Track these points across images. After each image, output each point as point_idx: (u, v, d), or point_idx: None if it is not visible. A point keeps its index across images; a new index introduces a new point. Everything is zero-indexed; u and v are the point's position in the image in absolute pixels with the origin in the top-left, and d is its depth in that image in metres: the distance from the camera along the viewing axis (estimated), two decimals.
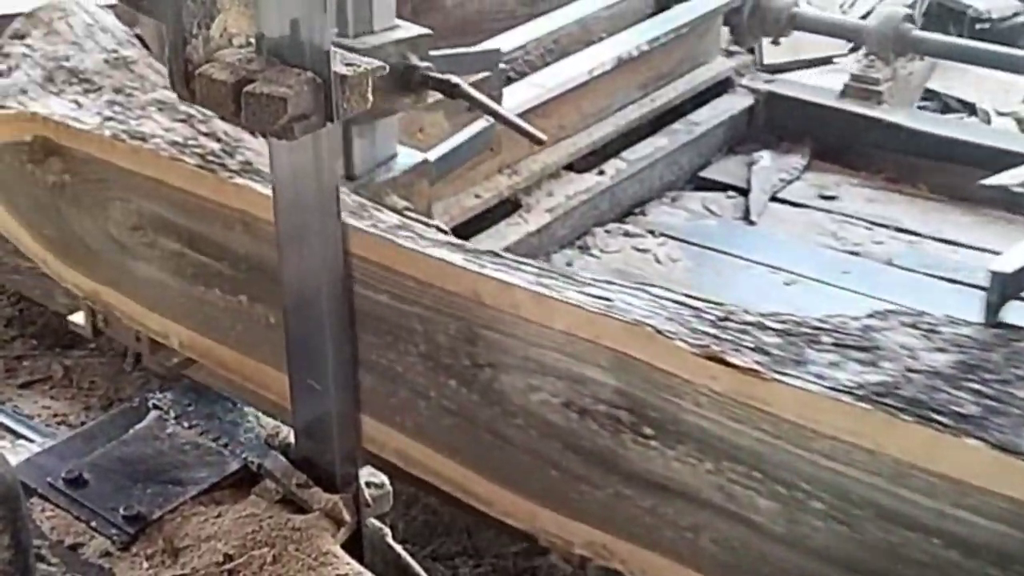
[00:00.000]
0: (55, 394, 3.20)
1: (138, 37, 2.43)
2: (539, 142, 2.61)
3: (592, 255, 3.29)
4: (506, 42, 3.41)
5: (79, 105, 2.12)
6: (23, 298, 3.41)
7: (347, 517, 1.93)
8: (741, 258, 3.30)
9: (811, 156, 3.83)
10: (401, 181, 2.48)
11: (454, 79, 2.33)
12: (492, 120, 2.60)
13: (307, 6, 1.58)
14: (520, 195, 3.31)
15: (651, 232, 3.40)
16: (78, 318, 2.39)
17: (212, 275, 1.97)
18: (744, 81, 4.04)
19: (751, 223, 3.50)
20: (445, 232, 1.87)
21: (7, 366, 3.29)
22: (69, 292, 2.29)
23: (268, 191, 1.76)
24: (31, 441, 2.37)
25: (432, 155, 2.54)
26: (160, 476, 1.98)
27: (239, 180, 1.87)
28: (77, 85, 2.21)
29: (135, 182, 2.00)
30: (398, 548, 2.03)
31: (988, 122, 4.30)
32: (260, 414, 2.10)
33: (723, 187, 3.70)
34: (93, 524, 1.90)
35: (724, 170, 3.80)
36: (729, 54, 4.11)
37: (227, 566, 1.84)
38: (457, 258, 1.69)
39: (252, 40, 1.65)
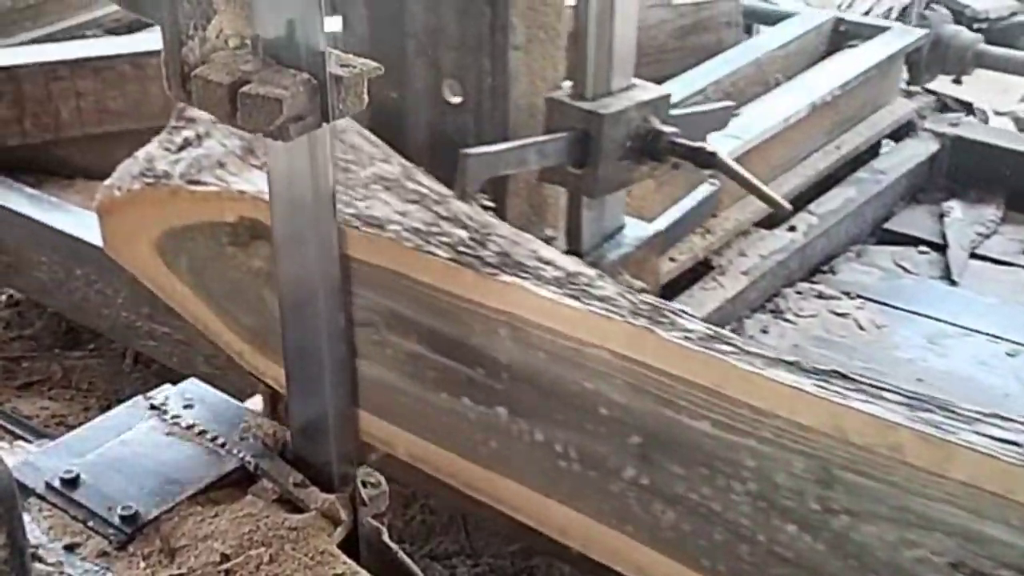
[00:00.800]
0: (54, 395, 3.21)
1: None
2: (785, 211, 2.41)
3: (787, 320, 3.05)
4: (684, 86, 3.27)
5: None
6: (21, 300, 3.42)
7: (344, 516, 1.94)
8: (952, 324, 3.03)
9: (1006, 207, 3.57)
10: (633, 257, 2.26)
11: (709, 147, 2.10)
12: (715, 184, 2.43)
13: (303, 7, 1.58)
14: (711, 255, 3.09)
15: (846, 293, 3.17)
16: (255, 403, 2.17)
17: (462, 383, 1.73)
18: (927, 124, 3.82)
19: (952, 283, 3.24)
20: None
21: (5, 367, 3.29)
22: (210, 361, 2.18)
23: (541, 291, 1.60)
24: (29, 442, 2.38)
25: (659, 225, 2.34)
26: (157, 476, 1.98)
27: (505, 278, 1.63)
28: None
29: (367, 274, 1.77)
30: (395, 547, 2.03)
31: (986, 122, 4.30)
32: (258, 413, 2.11)
33: (912, 241, 3.45)
34: (90, 524, 1.90)
35: (911, 222, 3.56)
36: (908, 95, 3.92)
37: (224, 566, 1.84)
38: (807, 383, 1.42)
39: (248, 41, 1.65)
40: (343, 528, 1.94)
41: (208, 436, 2.05)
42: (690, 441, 1.50)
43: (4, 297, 3.53)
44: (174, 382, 2.21)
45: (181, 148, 1.97)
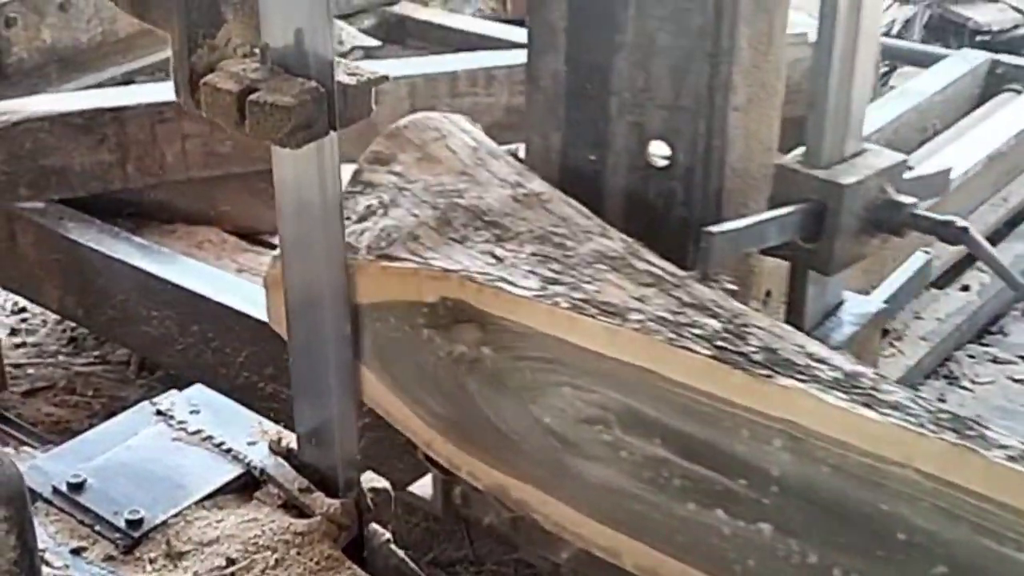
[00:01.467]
0: (58, 401, 3.22)
1: (514, 156, 2.02)
2: (1019, 289, 2.26)
3: (964, 388, 2.89)
4: None
5: (497, 259, 1.71)
6: (26, 307, 3.43)
7: (349, 522, 1.95)
8: None
9: None
10: (858, 337, 2.08)
11: (960, 222, 1.89)
12: (929, 253, 2.28)
13: (311, 16, 1.60)
14: None
15: (1021, 357, 3.01)
16: (423, 489, 2.05)
17: (716, 494, 1.53)
18: None
19: None
20: None
21: (11, 374, 3.30)
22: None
23: (827, 397, 1.42)
24: (34, 448, 2.39)
25: (879, 300, 2.17)
26: (163, 481, 1.98)
27: (783, 381, 1.44)
28: (484, 231, 1.77)
29: (603, 368, 1.57)
30: (400, 553, 2.04)
31: None
32: (263, 419, 2.12)
33: None
34: (96, 528, 1.91)
35: None
36: None
37: (229, 570, 1.85)
38: None
39: (257, 50, 1.66)
40: (348, 533, 1.95)
41: (214, 441, 2.06)
42: (1013, 574, 1.33)
43: (9, 304, 3.54)
44: (180, 388, 2.22)
45: (364, 217, 1.83)
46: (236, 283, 2.77)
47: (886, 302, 2.15)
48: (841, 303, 2.08)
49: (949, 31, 4.77)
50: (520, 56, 3.24)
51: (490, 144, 1.97)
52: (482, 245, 1.74)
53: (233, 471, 2.01)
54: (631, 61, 1.82)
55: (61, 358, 3.36)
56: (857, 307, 2.09)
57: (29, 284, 3.11)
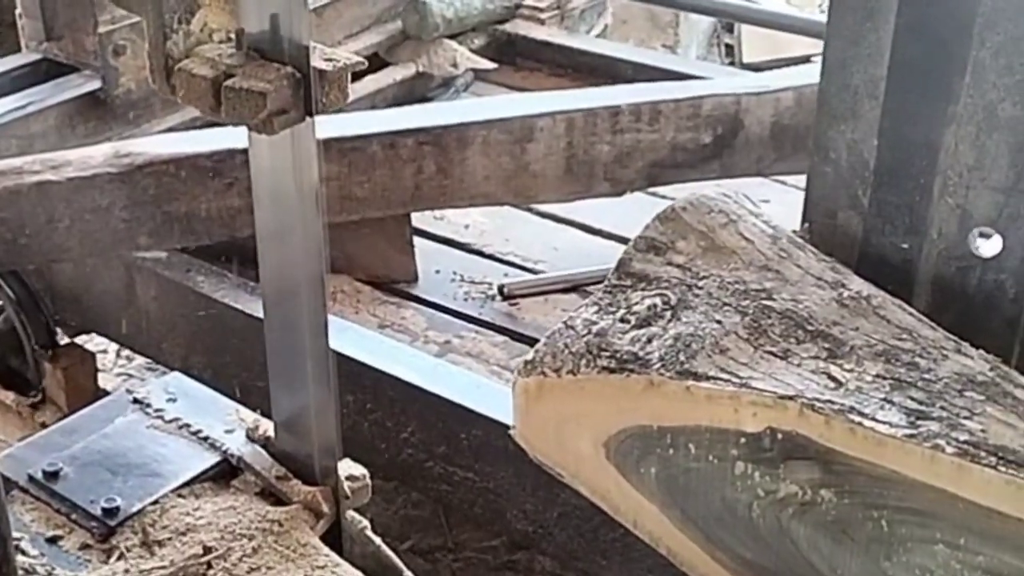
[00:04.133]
0: None
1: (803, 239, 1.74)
2: None
3: None
4: None
5: (837, 382, 1.44)
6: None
7: (326, 509, 1.95)
8: None
9: None
10: None
11: None
12: None
13: (287, 1, 1.59)
14: None
15: None
16: None
17: None
18: None
19: None
20: None
21: None
22: (529, 517, 1.84)
23: None
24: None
25: None
26: (140, 469, 1.98)
27: None
28: (810, 344, 1.49)
29: (998, 528, 1.33)
30: (377, 541, 2.04)
31: None
32: (240, 407, 2.11)
33: None
34: (72, 517, 1.91)
35: None
36: None
37: (206, 558, 1.84)
38: None
39: (232, 35, 1.65)
40: (325, 521, 1.95)
41: (191, 429, 2.06)
42: None
43: None
44: (157, 376, 2.21)
45: (647, 321, 1.57)
46: (391, 347, 2.56)
47: None
48: None
49: None
50: (686, 89, 3.05)
51: (786, 230, 1.71)
52: (812, 362, 1.47)
53: (210, 459, 2.01)
54: (964, 135, 1.61)
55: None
56: None
57: (147, 341, 2.89)
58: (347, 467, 2.00)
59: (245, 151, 2.59)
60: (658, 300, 1.57)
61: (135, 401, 2.13)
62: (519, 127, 2.88)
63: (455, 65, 3.88)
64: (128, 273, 2.83)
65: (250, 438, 2.03)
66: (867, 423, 1.36)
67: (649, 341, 1.52)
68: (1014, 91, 1.56)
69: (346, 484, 1.98)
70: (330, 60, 1.63)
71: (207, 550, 1.86)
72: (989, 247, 1.61)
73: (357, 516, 2.01)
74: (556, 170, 2.94)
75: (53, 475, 1.95)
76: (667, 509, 1.58)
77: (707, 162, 3.02)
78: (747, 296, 1.55)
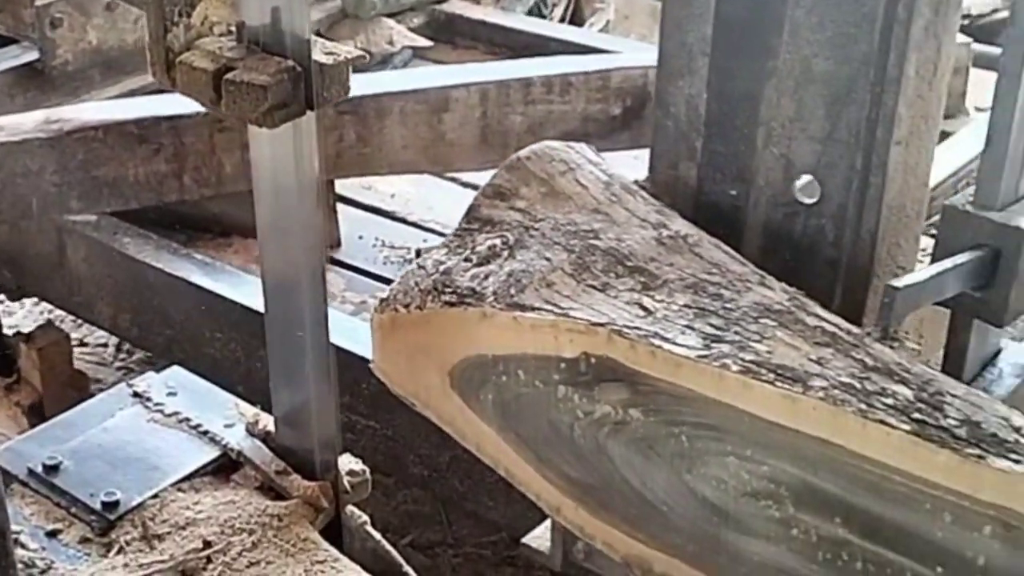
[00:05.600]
0: None
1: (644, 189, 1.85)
2: None
3: None
4: (953, 153, 2.91)
5: (647, 311, 1.54)
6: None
7: (326, 504, 1.95)
8: None
9: None
10: (1020, 391, 1.92)
11: None
12: None
13: None
14: None
15: None
16: (540, 542, 1.92)
17: None
18: None
19: None
20: None
21: None
22: (424, 462, 1.94)
23: None
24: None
25: None
26: (140, 463, 1.98)
27: (998, 463, 1.29)
28: (628, 278, 1.60)
29: (779, 439, 1.43)
30: (377, 536, 2.04)
31: None
32: (240, 401, 2.11)
33: None
34: (72, 510, 1.91)
35: None
36: None
37: (206, 552, 1.84)
38: None
39: (233, 28, 1.65)
40: (325, 516, 1.95)
41: (191, 423, 2.06)
42: None
43: None
44: (157, 370, 2.21)
45: (486, 259, 1.67)
46: None
47: None
48: (998, 352, 1.93)
49: None
50: (596, 62, 3.19)
51: (623, 177, 1.82)
52: (627, 294, 1.58)
53: (210, 453, 2.01)
54: (784, 89, 1.71)
55: None
56: (1017, 357, 1.92)
57: (79, 301, 2.98)
58: (347, 462, 2.00)
59: (171, 118, 2.79)
60: (498, 241, 1.68)
61: (135, 395, 2.13)
62: (435, 98, 2.99)
63: (392, 43, 3.94)
64: (59, 236, 2.93)
65: (250, 432, 2.03)
66: (666, 346, 1.47)
67: (486, 278, 1.63)
68: (827, 47, 1.66)
69: (346, 479, 1.98)
70: (331, 54, 1.63)
71: (207, 544, 1.86)
72: (810, 195, 1.71)
73: (357, 511, 2.01)
74: (471, 139, 3.04)
75: (53, 469, 1.95)
76: (503, 433, 1.68)
77: (617, 132, 3.13)
78: (576, 236, 1.66)
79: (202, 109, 2.84)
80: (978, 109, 4.41)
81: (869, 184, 1.69)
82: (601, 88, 3.12)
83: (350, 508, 1.99)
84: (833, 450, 1.39)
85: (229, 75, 1.58)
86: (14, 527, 1.80)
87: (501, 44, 4.03)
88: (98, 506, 1.89)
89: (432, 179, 3.36)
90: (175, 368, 2.21)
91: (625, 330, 1.50)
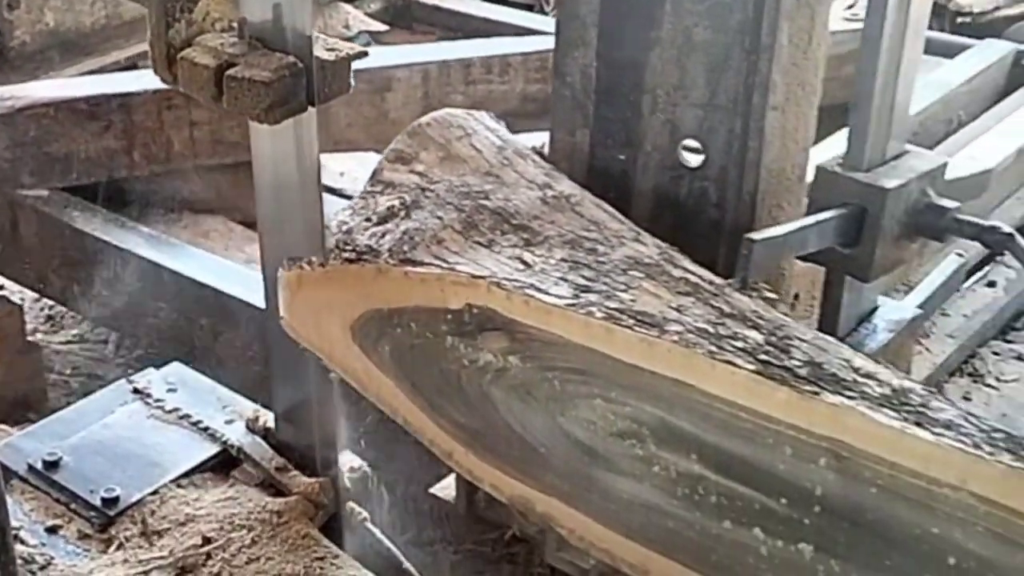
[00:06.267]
0: None
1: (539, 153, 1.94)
2: None
3: (989, 386, 2.77)
4: None
5: (526, 264, 1.63)
6: (2, 284, 3.41)
7: (326, 501, 1.95)
8: None
9: None
10: (892, 345, 2.00)
11: (1005, 227, 1.82)
12: (963, 256, 2.20)
13: None
14: None
15: None
16: (446, 492, 2.02)
17: (754, 512, 1.47)
18: None
19: None
20: None
21: None
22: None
23: (879, 417, 1.36)
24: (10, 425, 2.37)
25: (914, 305, 2.09)
26: (140, 459, 1.98)
27: (831, 399, 1.38)
28: (512, 234, 1.70)
29: (639, 381, 1.50)
30: (377, 532, 2.04)
31: None
32: (241, 398, 2.11)
33: None
34: (72, 507, 1.91)
35: None
36: None
37: (205, 548, 1.85)
38: None
39: (234, 24, 1.65)
40: (325, 512, 1.95)
41: (191, 420, 2.06)
42: None
43: None
44: (157, 367, 2.21)
45: (385, 219, 1.75)
46: (244, 274, 2.65)
47: (920, 307, 2.07)
48: (875, 308, 2.02)
49: (931, 13, 4.77)
50: (535, 43, 3.28)
51: (517, 143, 1.90)
52: (510, 250, 1.67)
53: (210, 450, 2.01)
54: (667, 58, 1.77)
55: (39, 336, 3.33)
56: (891, 313, 2.02)
57: (31, 273, 3.02)
58: (348, 459, 2.00)
59: (120, 96, 2.90)
60: (396, 202, 1.76)
61: (135, 391, 2.13)
62: (378, 78, 3.09)
63: (348, 27, 3.97)
64: (12, 210, 2.98)
65: (250, 429, 2.03)
66: (539, 296, 1.55)
67: (383, 236, 1.71)
68: (705, 16, 1.75)
69: (346, 476, 1.98)
70: (332, 50, 1.63)
71: (206, 540, 1.86)
72: (694, 158, 1.79)
73: (357, 508, 2.01)
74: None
75: (53, 465, 1.95)
76: (400, 383, 1.75)
77: None
78: (468, 197, 1.75)
79: (151, 87, 2.98)
80: None
81: (748, 148, 1.77)
82: (540, 68, 3.22)
83: (350, 505, 1.99)
84: (686, 390, 1.46)
85: (231, 71, 1.57)
86: (14, 523, 1.80)
87: (458, 29, 4.08)
88: (98, 502, 1.89)
89: (379, 158, 3.42)
90: (175, 364, 2.21)
91: (504, 282, 1.58)
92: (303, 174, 1.71)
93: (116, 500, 1.89)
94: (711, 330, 1.48)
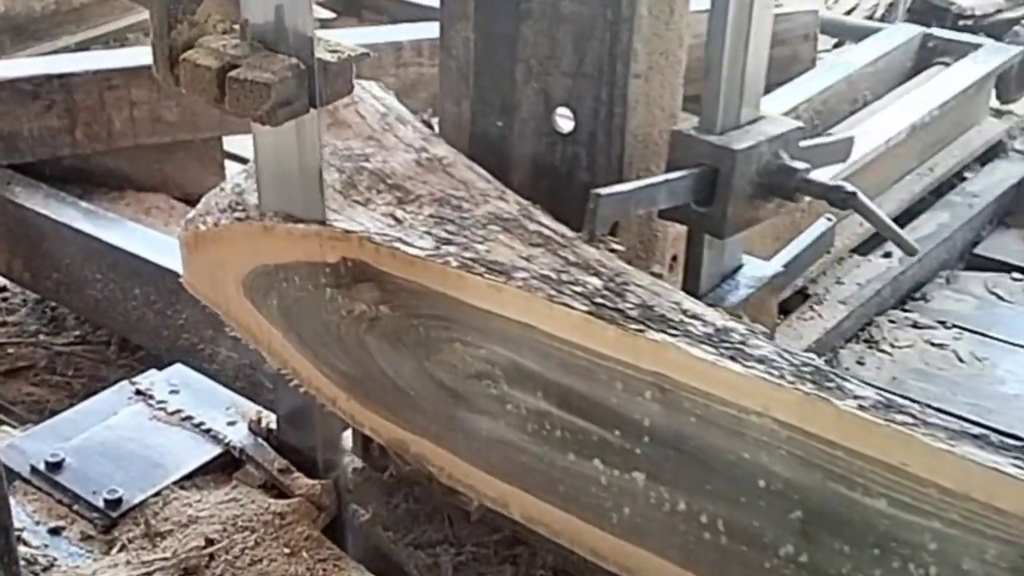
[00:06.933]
0: (38, 381, 3.20)
1: (426, 123, 2.03)
2: (913, 252, 2.27)
3: (883, 351, 2.86)
4: (775, 104, 3.13)
5: (397, 220, 1.74)
6: (6, 287, 3.41)
7: (328, 503, 1.95)
8: None
9: None
10: (753, 299, 2.09)
11: (848, 187, 1.92)
12: (831, 219, 2.24)
13: None
14: (806, 283, 2.97)
15: (941, 323, 2.97)
16: (346, 441, 2.08)
17: (593, 444, 1.58)
18: (1017, 145, 3.72)
19: None
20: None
21: None
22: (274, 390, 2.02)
23: (696, 351, 1.46)
24: (13, 427, 2.38)
25: (778, 264, 2.17)
26: (142, 460, 1.99)
27: (654, 336, 1.48)
28: (387, 193, 1.81)
29: (492, 325, 1.61)
30: (379, 534, 2.04)
31: None
32: (243, 400, 2.11)
33: (1004, 267, 3.26)
34: (75, 508, 1.91)
35: (1002, 247, 3.35)
36: (998, 114, 3.78)
37: (208, 550, 1.85)
38: (1004, 463, 1.30)
39: (237, 26, 1.65)
40: (327, 514, 1.95)
41: (193, 421, 2.06)
42: (862, 520, 1.38)
43: None
44: (160, 368, 2.21)
45: None
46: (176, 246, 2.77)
47: (785, 266, 2.15)
48: (740, 267, 2.11)
49: (933, 15, 4.77)
50: None
51: (400, 110, 2.01)
52: (384, 207, 1.78)
53: (212, 451, 2.02)
54: (538, 29, 1.86)
55: (42, 338, 3.33)
56: (754, 271, 2.12)
57: None
58: (350, 461, 2.00)
59: (62, 76, 3.03)
60: None
61: (138, 393, 2.13)
62: None
63: None
64: None
65: (252, 430, 2.03)
66: (403, 248, 1.65)
67: None
68: None
69: (349, 478, 1.98)
70: (334, 51, 1.63)
71: (209, 542, 1.86)
72: (566, 124, 1.88)
73: (360, 509, 2.01)
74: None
75: (56, 466, 1.95)
76: (287, 334, 1.86)
77: None
78: (349, 159, 1.86)
79: (92, 68, 3.10)
80: None
81: (614, 114, 1.84)
82: None
83: (353, 506, 1.99)
84: (530, 332, 1.57)
85: (233, 73, 1.57)
86: (17, 524, 1.81)
87: (406, 18, 4.07)
88: (101, 503, 1.90)
89: None
90: (178, 366, 2.22)
91: (374, 236, 1.68)
92: (305, 174, 1.71)
93: (119, 501, 1.90)
94: (554, 277, 1.59)
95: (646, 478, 1.54)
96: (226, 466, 2.01)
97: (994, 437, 1.35)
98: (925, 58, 3.79)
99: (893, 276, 3.07)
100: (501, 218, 1.73)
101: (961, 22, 4.65)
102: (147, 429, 2.05)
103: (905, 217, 3.30)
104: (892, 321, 3.00)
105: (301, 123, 1.66)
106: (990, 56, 3.70)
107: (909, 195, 3.33)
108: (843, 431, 1.36)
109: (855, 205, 1.95)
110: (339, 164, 1.83)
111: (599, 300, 1.54)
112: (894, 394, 1.43)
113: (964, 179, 3.58)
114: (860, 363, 2.84)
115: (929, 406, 1.39)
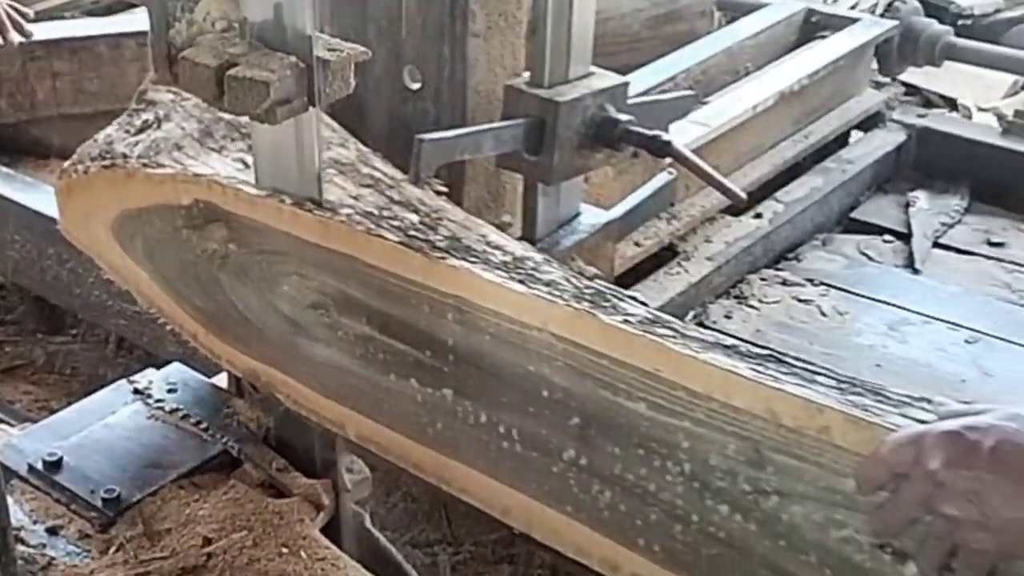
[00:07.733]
0: (36, 380, 3.20)
1: None
2: (741, 201, 2.38)
3: (751, 306, 3.01)
4: (655, 74, 3.28)
5: (246, 165, 1.85)
6: (4, 285, 3.42)
7: (326, 502, 1.95)
8: (913, 311, 3.01)
9: (970, 198, 3.55)
10: (587, 244, 2.21)
11: (664, 136, 2.05)
12: (673, 173, 2.36)
13: None
14: (676, 241, 3.08)
15: (810, 280, 3.14)
16: (220, 381, 2.17)
17: (409, 365, 1.71)
18: (895, 115, 3.83)
19: (915, 271, 3.23)
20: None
21: None
22: (180, 341, 2.08)
23: (488, 275, 1.60)
24: (11, 426, 2.37)
25: (615, 213, 2.28)
26: (140, 459, 1.98)
27: (453, 262, 1.62)
28: (240, 141, 1.92)
29: (320, 257, 1.74)
30: (376, 533, 2.04)
31: (970, 117, 4.31)
32: (240, 399, 2.11)
33: (877, 230, 3.42)
34: (73, 507, 1.90)
35: (877, 211, 3.51)
36: (878, 85, 3.92)
37: (206, 549, 1.85)
38: (742, 367, 1.44)
39: (235, 24, 1.65)
40: (325, 513, 1.95)
41: (191, 420, 2.06)
42: (627, 423, 1.52)
43: None
44: (158, 367, 2.21)
45: (140, 130, 1.96)
46: None
47: (623, 216, 2.27)
48: (577, 215, 2.23)
49: (932, 14, 4.77)
50: None
51: None
52: (236, 154, 1.90)
53: (210, 450, 2.01)
54: None
55: (39, 336, 3.34)
56: (591, 219, 2.24)
57: None
58: (348, 460, 2.00)
59: None
60: (151, 116, 1.98)
61: (136, 391, 2.13)
62: None
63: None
64: None
65: (250, 429, 2.03)
66: (246, 188, 1.78)
67: (136, 144, 1.93)
68: None
69: (346, 477, 1.98)
70: (333, 50, 1.63)
71: (207, 541, 1.86)
72: (415, 82, 2.02)
73: (357, 509, 2.01)
74: None
75: (54, 465, 1.95)
76: (153, 275, 1.99)
77: None
78: (209, 111, 1.94)
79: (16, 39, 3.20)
80: (981, 109, 4.44)
81: (455, 71, 1.99)
82: None
83: (350, 505, 1.99)
84: (353, 262, 1.71)
85: (232, 71, 1.57)
86: (14, 523, 1.80)
87: None
88: (99, 502, 1.89)
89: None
90: (176, 365, 2.21)
91: (223, 179, 1.80)
92: (304, 173, 1.71)
93: (117, 500, 1.89)
94: (376, 213, 1.73)
95: (454, 394, 1.69)
96: (224, 465, 2.00)
97: (743, 348, 1.49)
98: (809, 32, 3.85)
99: (763, 235, 3.19)
100: (339, 163, 1.86)
101: (960, 21, 4.65)
102: (145, 428, 2.05)
103: (782, 180, 3.42)
104: (763, 279, 3.14)
105: (300, 122, 1.65)
106: (865, 30, 3.78)
107: (782, 160, 3.43)
108: (607, 342, 1.51)
109: (672, 153, 2.09)
110: (199, 115, 1.95)
111: (412, 233, 1.69)
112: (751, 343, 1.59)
113: (846, 147, 3.71)
114: (727, 317, 2.98)
115: (787, 355, 1.51)
